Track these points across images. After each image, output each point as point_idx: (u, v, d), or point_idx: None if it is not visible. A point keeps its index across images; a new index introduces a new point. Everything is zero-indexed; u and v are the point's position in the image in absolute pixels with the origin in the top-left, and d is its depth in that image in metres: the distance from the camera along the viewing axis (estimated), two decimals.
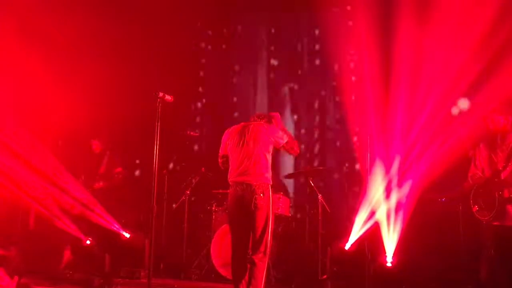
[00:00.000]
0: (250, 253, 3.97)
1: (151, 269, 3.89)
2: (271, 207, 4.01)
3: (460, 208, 5.12)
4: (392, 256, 4.71)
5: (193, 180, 5.88)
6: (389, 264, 4.69)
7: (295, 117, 7.41)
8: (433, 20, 5.96)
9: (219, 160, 4.25)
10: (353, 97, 6.97)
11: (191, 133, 6.09)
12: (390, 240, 5.06)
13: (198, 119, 7.42)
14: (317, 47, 7.46)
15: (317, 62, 7.43)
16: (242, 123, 4.28)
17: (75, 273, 5.36)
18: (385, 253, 4.83)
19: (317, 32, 7.44)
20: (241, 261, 4.00)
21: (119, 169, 6.03)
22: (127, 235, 5.55)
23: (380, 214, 5.68)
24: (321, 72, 7.36)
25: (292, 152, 4.21)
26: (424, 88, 6.27)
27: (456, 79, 5.89)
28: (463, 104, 6.36)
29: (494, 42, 5.67)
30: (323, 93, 7.26)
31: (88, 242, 5.43)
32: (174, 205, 6.10)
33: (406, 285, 4.78)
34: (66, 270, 5.39)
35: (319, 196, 5.44)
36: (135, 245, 5.49)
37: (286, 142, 4.11)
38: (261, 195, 3.94)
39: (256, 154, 4.02)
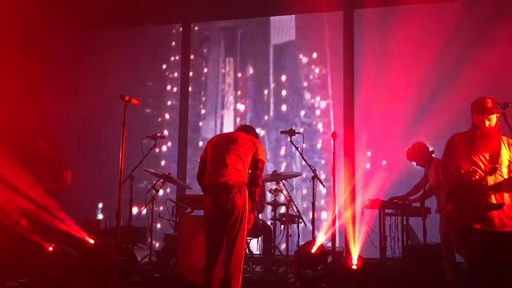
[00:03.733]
0: (223, 262, 3.97)
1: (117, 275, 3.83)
2: (247, 206, 4.02)
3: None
4: (357, 259, 4.79)
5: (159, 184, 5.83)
6: (354, 267, 4.77)
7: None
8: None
9: (199, 165, 4.29)
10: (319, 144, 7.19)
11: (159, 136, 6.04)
12: (356, 243, 5.15)
13: (163, 163, 7.49)
14: (284, 93, 7.58)
15: (284, 108, 7.54)
16: (228, 132, 4.48)
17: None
18: (351, 255, 4.91)
19: (283, 78, 7.60)
20: (215, 269, 3.98)
21: (67, 169, 5.97)
22: (92, 241, 5.44)
23: (345, 217, 5.80)
24: (287, 118, 7.48)
25: (258, 175, 4.12)
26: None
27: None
28: None
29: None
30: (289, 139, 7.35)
31: (50, 248, 5.28)
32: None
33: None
34: (27, 278, 5.24)
35: (286, 200, 5.54)
36: (100, 251, 5.38)
37: (262, 162, 4.14)
38: (238, 193, 3.97)
39: (236, 160, 4.05)
